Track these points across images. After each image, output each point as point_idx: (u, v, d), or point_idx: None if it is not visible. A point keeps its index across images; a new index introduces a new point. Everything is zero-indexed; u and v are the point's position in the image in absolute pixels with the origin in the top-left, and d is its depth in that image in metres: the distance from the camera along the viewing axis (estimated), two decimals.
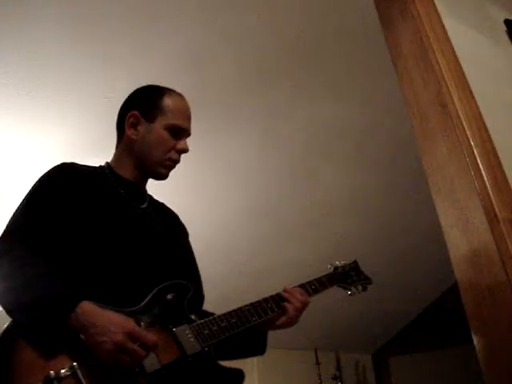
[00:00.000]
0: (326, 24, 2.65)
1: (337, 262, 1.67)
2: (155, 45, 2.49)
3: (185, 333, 1.20)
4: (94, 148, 2.57)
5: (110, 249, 1.25)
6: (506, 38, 1.74)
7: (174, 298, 1.24)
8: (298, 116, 3.17)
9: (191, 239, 1.55)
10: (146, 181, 1.46)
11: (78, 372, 1.02)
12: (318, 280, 1.54)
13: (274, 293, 1.45)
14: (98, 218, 1.27)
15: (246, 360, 1.57)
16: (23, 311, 1.10)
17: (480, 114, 1.45)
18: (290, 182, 3.60)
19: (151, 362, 1.11)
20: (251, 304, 1.36)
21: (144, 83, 1.51)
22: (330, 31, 2.69)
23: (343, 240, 4.20)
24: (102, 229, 1.26)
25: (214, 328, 1.25)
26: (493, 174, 1.36)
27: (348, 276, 1.65)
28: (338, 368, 5.00)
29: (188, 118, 1.43)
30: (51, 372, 1.00)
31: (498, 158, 1.40)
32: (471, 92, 1.48)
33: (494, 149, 1.41)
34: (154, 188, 1.49)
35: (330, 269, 1.64)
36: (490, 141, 1.42)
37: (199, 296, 1.43)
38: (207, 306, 1.45)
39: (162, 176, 1.42)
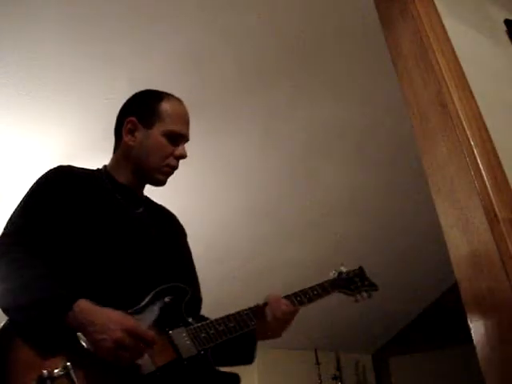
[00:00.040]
0: (326, 24, 2.65)
1: (341, 268, 1.65)
2: (155, 45, 2.49)
3: (181, 335, 1.20)
4: (94, 148, 2.57)
5: (106, 253, 1.25)
6: (506, 38, 1.74)
7: (171, 301, 1.24)
8: (298, 116, 3.17)
9: (191, 239, 1.55)
10: (143, 186, 1.46)
11: (71, 372, 1.02)
12: (321, 285, 1.53)
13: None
14: (93, 223, 1.27)
15: None
16: (20, 311, 1.10)
17: (480, 114, 1.45)
18: (290, 182, 3.60)
19: (146, 364, 1.11)
20: (250, 308, 1.35)
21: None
22: (330, 31, 2.69)
23: (343, 240, 4.20)
24: (97, 233, 1.27)
25: (212, 331, 1.24)
26: (493, 173, 1.36)
27: (352, 282, 1.63)
28: (338, 368, 5.00)
29: (186, 124, 1.43)
30: (44, 371, 1.01)
31: (498, 157, 1.40)
32: (471, 92, 1.48)
33: (494, 149, 1.41)
34: (153, 188, 1.49)
35: (333, 274, 1.62)
36: (490, 141, 1.42)
37: (197, 299, 1.42)
38: (206, 308, 1.45)
39: (160, 182, 1.42)
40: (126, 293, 1.21)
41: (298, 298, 1.45)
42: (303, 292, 1.47)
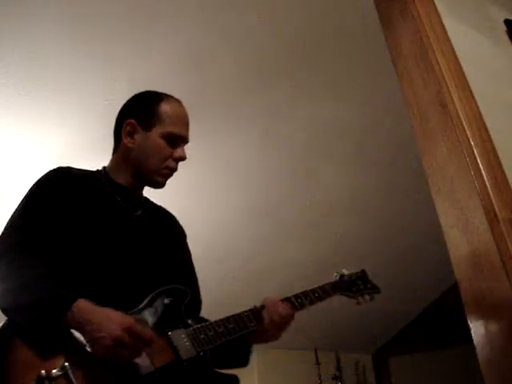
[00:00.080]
0: (326, 24, 2.65)
1: (343, 270, 1.64)
2: (155, 45, 2.49)
3: (180, 337, 1.20)
4: (94, 148, 2.57)
5: (105, 255, 1.25)
6: (506, 38, 1.74)
7: (171, 303, 1.24)
8: (298, 116, 3.17)
9: (191, 239, 1.55)
10: (142, 188, 1.46)
11: (70, 372, 1.03)
12: (322, 288, 1.52)
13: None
14: (92, 224, 1.28)
15: None
16: (20, 311, 1.10)
17: (480, 114, 1.45)
18: (290, 182, 3.60)
19: (145, 365, 1.11)
20: (250, 310, 1.35)
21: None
22: (330, 31, 2.69)
23: (343, 240, 4.20)
24: (96, 235, 1.27)
25: (211, 333, 1.24)
26: (493, 173, 1.36)
27: (353, 285, 1.61)
28: (338, 368, 4.99)
29: (186, 125, 1.42)
30: (42, 372, 1.01)
31: (498, 157, 1.40)
32: (471, 92, 1.48)
33: (494, 149, 1.41)
34: (153, 189, 1.49)
35: (335, 277, 1.61)
36: (490, 141, 1.42)
37: (196, 301, 1.42)
38: (206, 308, 1.45)
39: (159, 184, 1.41)
40: (125, 294, 1.21)
41: (299, 300, 1.44)
42: (304, 294, 1.46)
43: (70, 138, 2.78)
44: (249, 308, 1.37)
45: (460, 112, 1.43)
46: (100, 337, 1.05)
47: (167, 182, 1.44)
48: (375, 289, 1.66)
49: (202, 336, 1.23)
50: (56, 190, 1.29)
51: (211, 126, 3.00)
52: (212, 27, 2.50)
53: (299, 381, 4.80)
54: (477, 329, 1.33)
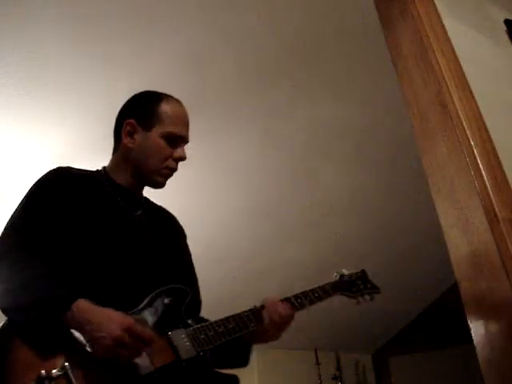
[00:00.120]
0: (326, 24, 2.65)
1: (343, 270, 1.64)
2: (155, 45, 2.49)
3: (180, 337, 1.20)
4: (94, 148, 2.57)
5: (104, 255, 1.25)
6: (506, 37, 1.74)
7: (171, 303, 1.24)
8: (298, 116, 3.17)
9: (191, 239, 1.55)
10: (142, 188, 1.46)
11: (69, 372, 1.03)
12: (322, 288, 1.52)
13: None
14: (92, 224, 1.28)
15: None
16: (20, 311, 1.10)
17: (480, 114, 1.45)
18: (290, 182, 3.60)
19: (145, 365, 1.11)
20: (250, 310, 1.35)
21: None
22: (330, 31, 2.69)
23: (343, 240, 4.20)
24: (95, 235, 1.27)
25: (211, 333, 1.24)
26: (493, 173, 1.36)
27: (354, 285, 1.61)
28: (338, 368, 4.99)
29: (185, 125, 1.42)
30: (42, 372, 1.01)
31: (498, 158, 1.40)
32: (471, 92, 1.48)
33: (494, 149, 1.41)
34: (153, 189, 1.49)
35: (335, 277, 1.61)
36: (490, 141, 1.42)
37: (196, 301, 1.42)
38: (205, 309, 1.44)
39: (159, 184, 1.41)
40: (125, 294, 1.21)
41: (299, 300, 1.44)
42: (304, 294, 1.46)
43: (69, 138, 2.78)
44: (249, 308, 1.37)
45: (460, 112, 1.43)
46: (100, 337, 1.05)
47: (167, 182, 1.44)
48: (375, 289, 1.65)
49: (202, 336, 1.23)
50: (55, 191, 1.29)
51: (211, 126, 3.00)
52: (212, 27, 2.50)
53: (299, 381, 4.80)
54: (477, 329, 1.33)
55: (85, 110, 2.68)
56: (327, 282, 1.57)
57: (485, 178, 1.35)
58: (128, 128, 1.39)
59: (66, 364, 1.03)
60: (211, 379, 1.25)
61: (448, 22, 1.59)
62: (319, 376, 4.74)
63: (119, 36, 2.40)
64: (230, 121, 3.06)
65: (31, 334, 1.06)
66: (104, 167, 1.45)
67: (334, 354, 5.05)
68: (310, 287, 1.49)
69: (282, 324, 1.38)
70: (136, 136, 1.38)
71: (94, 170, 1.45)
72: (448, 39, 1.56)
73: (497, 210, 1.31)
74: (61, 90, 2.55)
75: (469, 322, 1.35)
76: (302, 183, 3.67)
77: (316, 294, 1.48)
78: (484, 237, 1.31)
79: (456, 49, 1.54)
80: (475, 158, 1.38)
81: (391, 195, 3.92)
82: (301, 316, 1.44)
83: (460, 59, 1.53)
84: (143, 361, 1.11)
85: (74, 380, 1.02)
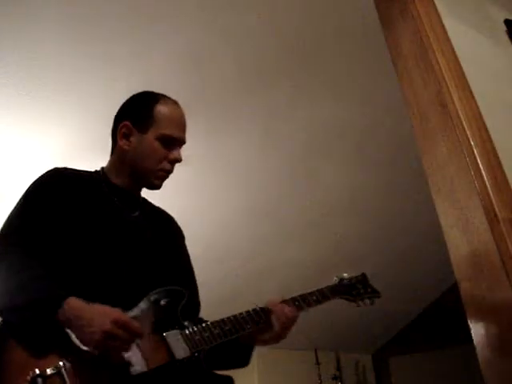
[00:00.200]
0: (326, 24, 2.65)
1: (344, 274, 1.62)
2: (155, 45, 2.49)
3: (176, 338, 1.20)
4: (94, 148, 2.56)
5: (101, 256, 1.25)
6: (506, 37, 1.74)
7: (167, 304, 1.24)
8: (298, 116, 3.17)
9: (190, 239, 1.55)
10: (139, 189, 1.46)
11: (63, 371, 1.03)
12: (320, 291, 1.51)
13: (273, 294, 1.44)
14: (88, 225, 1.28)
15: None
16: (15, 311, 1.11)
17: (480, 114, 1.45)
18: (290, 182, 3.60)
19: (139, 365, 1.11)
20: (247, 312, 1.35)
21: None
22: (330, 31, 2.69)
23: (343, 240, 4.20)
24: (92, 236, 1.27)
25: (206, 334, 1.24)
26: (493, 173, 1.36)
27: (353, 288, 1.60)
28: (338, 368, 5.00)
29: (182, 127, 1.41)
30: (36, 371, 1.02)
31: (498, 158, 1.40)
32: (471, 92, 1.48)
33: (494, 149, 1.41)
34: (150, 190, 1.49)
35: (335, 280, 1.60)
36: (490, 141, 1.42)
37: (194, 303, 1.42)
38: (204, 309, 1.44)
39: (155, 186, 1.41)
40: (122, 295, 1.21)
41: (297, 303, 1.44)
42: (302, 297, 1.46)
43: (70, 138, 2.78)
44: (252, 308, 1.37)
45: (460, 112, 1.43)
46: (90, 331, 1.06)
47: (166, 182, 1.44)
48: (375, 293, 1.64)
49: (198, 337, 1.23)
50: (52, 191, 1.29)
51: (211, 126, 3.00)
52: (212, 27, 2.50)
53: (299, 381, 4.80)
54: (477, 329, 1.33)
55: (85, 110, 2.68)
56: (327, 284, 1.56)
57: (485, 178, 1.35)
58: (123, 130, 1.39)
59: (60, 363, 1.04)
60: (206, 380, 1.25)
61: (448, 22, 1.59)
62: (319, 376, 4.74)
63: (119, 36, 2.40)
64: (230, 121, 3.06)
65: (26, 335, 1.07)
66: (102, 168, 1.45)
67: (334, 354, 5.05)
68: (309, 290, 1.49)
69: (288, 325, 1.38)
70: (132, 138, 1.38)
71: (93, 170, 1.45)
72: (448, 39, 1.56)
73: (497, 210, 1.31)
74: (61, 90, 2.55)
75: (469, 322, 1.35)
76: (302, 183, 3.67)
77: (314, 298, 1.47)
78: (484, 237, 1.31)
79: (456, 49, 1.54)
80: (475, 158, 1.38)
81: (391, 195, 3.92)
82: (301, 316, 1.44)
83: (460, 59, 1.53)
84: (138, 361, 1.11)
85: (67, 379, 1.03)
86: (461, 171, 1.40)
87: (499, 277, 1.26)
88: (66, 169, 1.38)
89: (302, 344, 4.62)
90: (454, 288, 1.47)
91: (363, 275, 1.67)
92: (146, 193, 1.49)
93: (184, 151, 1.43)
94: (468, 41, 1.63)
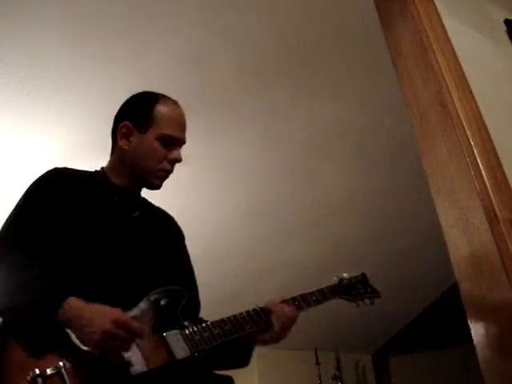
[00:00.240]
0: (326, 24, 2.65)
1: (344, 274, 1.62)
2: (155, 45, 2.49)
3: (176, 338, 1.20)
4: (94, 148, 2.57)
5: (101, 256, 1.25)
6: (506, 37, 1.74)
7: (167, 304, 1.24)
8: (298, 116, 3.17)
9: (191, 239, 1.55)
10: (139, 189, 1.46)
11: (63, 371, 1.03)
12: (320, 291, 1.51)
13: (273, 294, 1.43)
14: (88, 225, 1.28)
15: None
16: (15, 311, 1.11)
17: (480, 113, 1.45)
18: (290, 182, 3.60)
19: (139, 365, 1.11)
20: (247, 312, 1.35)
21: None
22: (330, 31, 2.69)
23: (343, 240, 4.20)
24: (92, 236, 1.27)
25: (206, 334, 1.24)
26: (493, 173, 1.36)
27: (353, 288, 1.60)
28: (338, 368, 5.00)
29: (182, 127, 1.41)
30: (36, 370, 1.02)
31: (497, 158, 1.40)
32: (471, 92, 1.48)
33: (494, 149, 1.41)
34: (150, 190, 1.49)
35: (335, 280, 1.60)
36: (490, 141, 1.42)
37: (194, 303, 1.42)
38: (211, 307, 1.44)
39: (155, 186, 1.41)
40: (122, 295, 1.21)
41: (296, 303, 1.44)
42: (302, 297, 1.46)
43: (70, 138, 2.78)
44: (252, 308, 1.37)
45: (460, 112, 1.43)
46: (90, 331, 1.06)
47: (166, 182, 1.44)
48: (375, 293, 1.64)
49: (198, 337, 1.23)
50: (52, 191, 1.29)
51: (211, 126, 3.00)
52: (212, 27, 2.50)
53: (299, 381, 4.80)
54: (477, 329, 1.33)
55: (85, 110, 2.68)
56: (327, 284, 1.56)
57: (485, 178, 1.35)
58: (123, 130, 1.39)
59: (60, 363, 1.04)
60: (206, 380, 1.25)
61: (448, 22, 1.59)
62: (319, 376, 4.74)
63: (119, 36, 2.40)
64: (230, 121, 3.06)
65: (26, 335, 1.07)
66: (102, 168, 1.45)
67: (334, 354, 5.05)
68: (309, 290, 1.49)
69: (288, 325, 1.38)
70: (131, 138, 1.38)
71: (93, 170, 1.45)
72: (448, 39, 1.56)
73: (497, 210, 1.31)
74: (61, 90, 2.55)
75: (469, 322, 1.35)
76: (302, 183, 3.67)
77: (314, 298, 1.47)
78: (484, 237, 1.31)
79: (456, 49, 1.54)
80: (475, 158, 1.38)
81: (391, 195, 3.92)
82: (301, 316, 1.44)
83: (460, 59, 1.53)
84: (138, 361, 1.11)
85: (67, 379, 1.03)
86: (461, 171, 1.40)
87: (499, 277, 1.26)
88: (66, 169, 1.38)
89: (302, 344, 4.62)
90: (454, 288, 1.47)
91: (363, 275, 1.66)
92: (145, 193, 1.49)
93: (184, 151, 1.43)
94: (468, 41, 1.63)
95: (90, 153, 2.54)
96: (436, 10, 1.61)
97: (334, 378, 4.89)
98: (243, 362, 1.43)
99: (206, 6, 2.39)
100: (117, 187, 1.40)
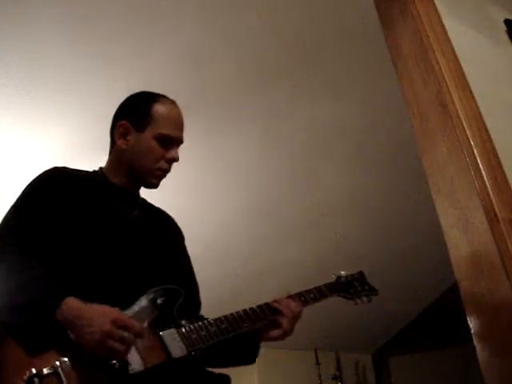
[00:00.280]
0: (326, 24, 2.65)
1: (342, 272, 1.62)
2: (155, 45, 2.49)
3: (172, 337, 1.20)
4: (94, 148, 2.56)
5: (100, 255, 1.25)
6: (506, 37, 1.74)
7: (163, 303, 1.24)
8: (298, 116, 3.17)
9: (191, 239, 1.55)
10: (138, 188, 1.46)
11: (60, 370, 1.03)
12: (318, 289, 1.51)
13: (273, 294, 1.44)
14: (88, 224, 1.28)
15: None
16: (15, 311, 1.11)
17: (480, 114, 1.45)
18: (290, 182, 3.60)
19: (136, 364, 1.11)
20: (244, 310, 1.35)
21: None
22: (330, 31, 2.69)
23: (343, 240, 4.20)
24: (91, 235, 1.27)
25: (203, 333, 1.24)
26: (493, 173, 1.36)
27: (351, 286, 1.60)
28: (338, 368, 4.99)
29: (179, 126, 1.42)
30: (33, 370, 1.02)
31: (497, 158, 1.40)
32: (471, 92, 1.48)
33: (494, 149, 1.41)
34: (148, 189, 1.49)
35: (332, 278, 1.60)
36: (490, 141, 1.42)
37: (194, 302, 1.42)
38: (211, 307, 1.44)
39: (153, 185, 1.42)
40: (120, 294, 1.21)
41: (302, 299, 1.45)
42: (299, 295, 1.46)
43: (70, 138, 2.78)
44: (257, 305, 1.37)
45: (460, 112, 1.43)
46: (90, 332, 1.06)
47: (166, 182, 1.44)
48: (373, 290, 1.64)
49: (194, 336, 1.23)
50: (50, 190, 1.29)
51: (211, 126, 3.00)
52: (212, 27, 2.50)
53: (299, 381, 4.80)
54: (477, 329, 1.33)
55: (85, 110, 2.68)
56: (325, 282, 1.56)
57: (485, 178, 1.35)
58: (121, 130, 1.39)
59: (57, 362, 1.04)
60: (203, 379, 1.25)
61: (448, 22, 1.59)
62: (319, 376, 4.74)
63: (119, 36, 2.40)
64: (230, 121, 3.06)
65: (23, 334, 1.07)
66: (101, 168, 1.45)
67: (334, 354, 5.05)
68: (306, 288, 1.49)
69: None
70: (129, 137, 1.38)
71: (91, 170, 1.45)
72: (448, 39, 1.56)
73: (497, 210, 1.31)
74: (61, 90, 2.55)
75: (469, 322, 1.35)
76: (302, 183, 3.67)
77: (312, 295, 1.48)
78: (484, 237, 1.31)
79: (456, 49, 1.54)
80: (475, 158, 1.38)
81: (391, 195, 3.92)
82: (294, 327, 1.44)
83: (460, 59, 1.53)
84: (135, 360, 1.11)
85: (64, 378, 1.03)
86: (461, 171, 1.40)
87: (499, 277, 1.26)
88: (64, 168, 1.38)
89: (302, 344, 4.62)
90: (454, 288, 1.47)
91: (360, 273, 1.66)
92: (146, 193, 1.49)
93: (184, 151, 1.43)
94: (468, 41, 1.63)
95: (89, 153, 2.54)
96: (436, 10, 1.61)
97: (334, 377, 4.89)
98: (250, 359, 1.44)
99: (206, 5, 2.39)
100: (115, 186, 1.40)
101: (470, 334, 1.34)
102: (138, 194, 1.47)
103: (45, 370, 1.03)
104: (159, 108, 1.39)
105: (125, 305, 1.19)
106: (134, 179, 1.41)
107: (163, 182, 1.44)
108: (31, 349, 1.05)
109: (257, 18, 2.52)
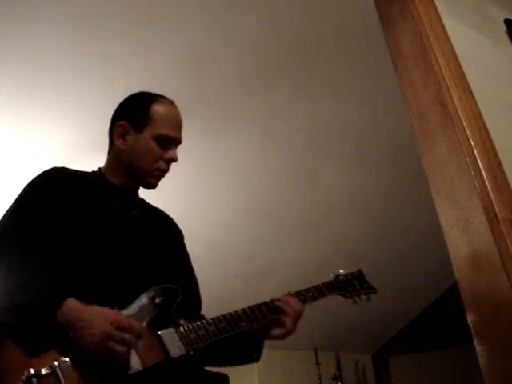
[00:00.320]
0: (326, 24, 2.65)
1: (340, 271, 1.62)
2: (155, 45, 2.49)
3: (171, 336, 1.20)
4: (94, 148, 2.56)
5: (99, 255, 1.25)
6: (506, 37, 1.74)
7: (162, 302, 1.24)
8: (298, 116, 3.17)
9: (191, 239, 1.55)
10: (137, 188, 1.46)
11: (58, 370, 1.03)
12: (317, 287, 1.50)
13: (273, 294, 1.43)
14: (87, 224, 1.28)
15: None
16: (15, 311, 1.11)
17: (480, 113, 1.45)
18: (290, 182, 3.60)
19: (135, 364, 1.11)
20: (243, 309, 1.35)
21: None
22: (330, 31, 2.69)
23: (343, 240, 4.20)
24: (91, 235, 1.27)
25: (201, 332, 1.24)
26: (493, 173, 1.36)
27: (349, 284, 1.59)
28: (338, 368, 4.99)
29: (178, 127, 1.42)
30: (31, 370, 1.02)
31: (498, 158, 1.40)
32: (471, 92, 1.48)
33: (494, 149, 1.41)
34: (146, 189, 1.49)
35: (331, 277, 1.59)
36: (490, 141, 1.42)
37: (194, 301, 1.42)
38: (211, 306, 1.44)
39: (151, 185, 1.42)
40: (119, 294, 1.21)
41: (302, 297, 1.44)
42: (298, 293, 1.46)
43: (69, 138, 2.78)
44: (258, 303, 1.37)
45: (460, 112, 1.43)
46: (90, 333, 1.06)
47: (166, 182, 1.44)
48: (372, 289, 1.63)
49: (193, 335, 1.23)
50: (49, 190, 1.30)
51: (211, 126, 3.00)
52: (212, 27, 2.50)
53: (299, 381, 4.80)
54: (477, 329, 1.33)
55: (85, 110, 2.68)
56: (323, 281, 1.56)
57: (485, 178, 1.35)
58: (119, 130, 1.40)
59: (56, 363, 1.04)
60: (201, 378, 1.25)
61: (448, 22, 1.59)
62: (319, 376, 4.74)
63: (119, 36, 2.40)
64: (230, 121, 3.06)
65: (23, 334, 1.07)
66: (99, 168, 1.45)
67: (334, 354, 5.05)
68: (305, 287, 1.49)
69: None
70: (128, 137, 1.39)
71: (90, 170, 1.45)
72: (448, 39, 1.56)
73: (497, 210, 1.31)
74: (61, 90, 2.55)
75: (469, 321, 1.35)
76: (302, 183, 3.67)
77: (310, 294, 1.47)
78: (484, 237, 1.31)
79: (456, 49, 1.54)
80: (475, 158, 1.38)
81: (391, 195, 3.92)
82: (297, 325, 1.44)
83: (460, 59, 1.52)
84: (133, 360, 1.11)
85: (62, 378, 1.03)
86: (461, 171, 1.40)
87: (499, 277, 1.26)
88: (63, 168, 1.38)
89: (302, 344, 4.62)
90: (454, 288, 1.47)
91: (359, 271, 1.66)
92: (146, 193, 1.49)
93: (184, 151, 1.43)
94: (468, 41, 1.63)
95: (89, 153, 2.54)
96: (436, 10, 1.61)
97: (334, 378, 4.89)
98: (253, 357, 1.43)
99: (206, 5, 2.39)
100: (114, 187, 1.40)
101: (470, 334, 1.34)
102: (137, 194, 1.47)
103: (43, 370, 1.03)
104: (158, 108, 1.39)
105: (124, 304, 1.19)
106: (132, 179, 1.41)
107: (163, 182, 1.44)
108: (30, 349, 1.05)
109: (257, 18, 2.52)
